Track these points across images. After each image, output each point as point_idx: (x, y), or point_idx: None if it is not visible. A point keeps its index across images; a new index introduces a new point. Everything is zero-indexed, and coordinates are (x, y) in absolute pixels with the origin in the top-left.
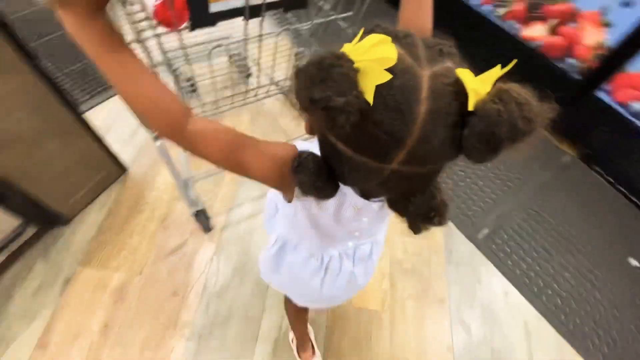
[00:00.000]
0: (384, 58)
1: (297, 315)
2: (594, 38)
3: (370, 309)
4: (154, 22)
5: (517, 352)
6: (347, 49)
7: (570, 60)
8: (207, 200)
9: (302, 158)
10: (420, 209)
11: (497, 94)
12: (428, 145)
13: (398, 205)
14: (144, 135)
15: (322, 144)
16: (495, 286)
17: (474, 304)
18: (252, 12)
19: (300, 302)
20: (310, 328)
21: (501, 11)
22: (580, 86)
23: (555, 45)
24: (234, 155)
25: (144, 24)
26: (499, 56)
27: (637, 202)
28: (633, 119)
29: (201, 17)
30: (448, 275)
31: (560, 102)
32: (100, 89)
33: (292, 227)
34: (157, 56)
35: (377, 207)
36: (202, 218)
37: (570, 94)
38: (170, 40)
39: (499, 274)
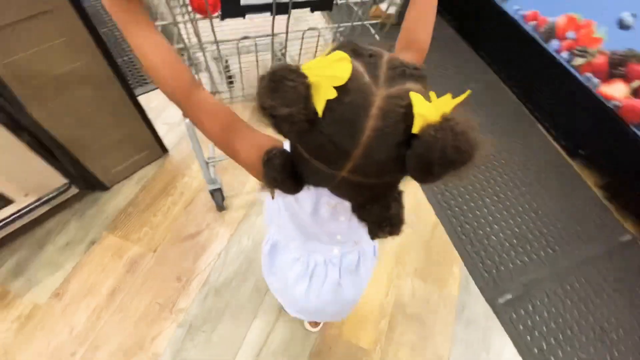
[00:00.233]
0: (335, 76)
1: None
2: None
3: (361, 346)
4: (190, 8)
5: None
6: (307, 64)
7: None
8: (230, 191)
9: (272, 153)
10: (373, 217)
11: (440, 122)
12: (372, 160)
13: (356, 210)
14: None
15: (290, 145)
16: None
17: None
18: (280, 9)
19: (290, 310)
20: None
21: (580, 61)
22: None
23: (636, 109)
24: (227, 136)
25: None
26: (569, 107)
27: None
28: None
29: (231, 8)
30: (454, 333)
31: (633, 175)
32: None
33: (278, 225)
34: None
35: (349, 205)
36: (218, 196)
37: None
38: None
39: (513, 348)
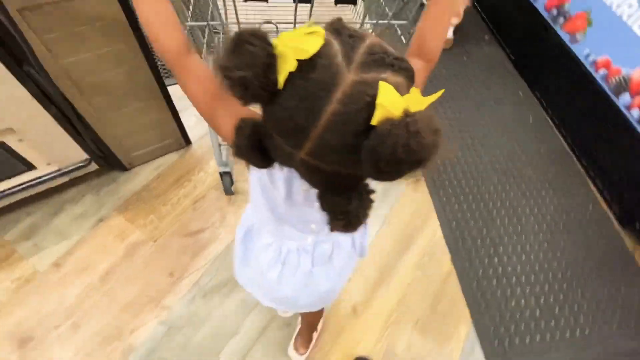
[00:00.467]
0: (301, 48)
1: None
2: None
3: None
4: None
5: None
6: (283, 33)
7: None
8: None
9: (243, 122)
10: (331, 207)
11: (400, 118)
12: (329, 145)
13: (319, 197)
14: None
15: (262, 116)
16: None
17: None
18: None
19: (264, 300)
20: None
21: None
22: None
23: None
24: (211, 104)
25: None
26: (631, 171)
27: None
28: None
29: None
30: None
31: None
32: None
33: (253, 206)
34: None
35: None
36: (227, 180)
37: None
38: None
39: None
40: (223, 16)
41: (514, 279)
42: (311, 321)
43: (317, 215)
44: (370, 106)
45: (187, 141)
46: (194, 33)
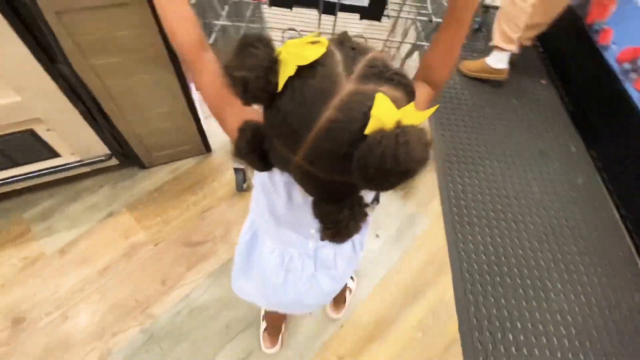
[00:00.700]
0: (301, 55)
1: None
2: None
3: None
4: None
5: None
6: (289, 41)
7: None
8: None
9: (246, 124)
10: (322, 216)
11: (393, 129)
12: (322, 151)
13: (313, 205)
14: None
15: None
16: None
17: None
18: (327, 8)
19: (267, 304)
20: (284, 325)
21: None
22: None
23: None
24: (220, 101)
25: None
26: None
27: None
28: None
29: None
30: None
31: None
32: None
33: (257, 210)
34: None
35: None
36: (240, 176)
37: None
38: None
39: None
40: (263, 19)
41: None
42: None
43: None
44: (366, 116)
45: (208, 149)
46: (225, 31)
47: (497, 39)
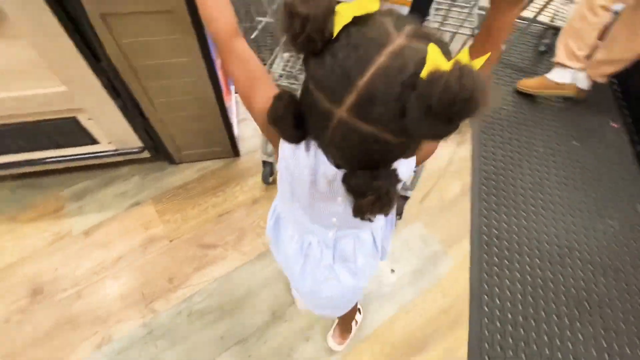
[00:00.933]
0: (357, 5)
1: None
2: None
3: None
4: None
5: None
6: (343, 3)
7: None
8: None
9: (283, 92)
10: (359, 184)
11: (452, 66)
12: (374, 97)
13: (346, 178)
14: None
15: (305, 79)
16: None
17: None
18: None
19: (294, 289)
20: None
21: None
22: None
23: None
24: (250, 84)
25: None
26: None
27: None
28: None
29: None
30: None
31: None
32: None
33: (280, 196)
34: None
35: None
36: (267, 169)
37: None
38: None
39: None
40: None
41: None
42: (347, 315)
43: (339, 209)
44: (419, 63)
45: (237, 153)
46: (266, 30)
47: (560, 55)
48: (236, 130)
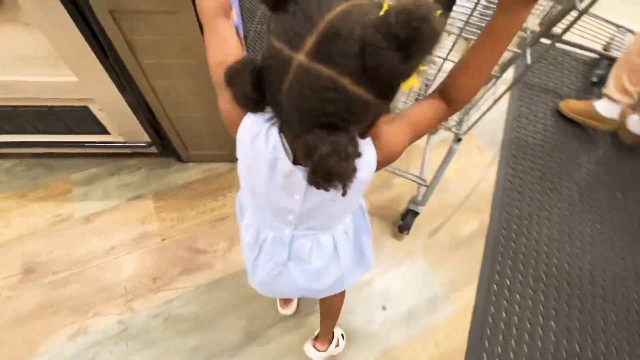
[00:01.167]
0: None
1: None
2: None
3: None
4: None
5: None
6: None
7: None
8: None
9: (246, 56)
10: (315, 139)
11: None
12: (336, 36)
13: (304, 138)
14: None
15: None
16: None
17: None
18: None
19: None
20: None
21: None
22: None
23: None
24: (220, 64)
25: None
26: None
27: None
28: None
29: None
30: None
31: None
32: None
33: (241, 186)
34: None
35: (303, 179)
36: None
37: None
38: None
39: None
40: None
41: None
42: (326, 311)
43: (295, 207)
44: (378, 8)
45: None
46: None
47: (611, 87)
48: None
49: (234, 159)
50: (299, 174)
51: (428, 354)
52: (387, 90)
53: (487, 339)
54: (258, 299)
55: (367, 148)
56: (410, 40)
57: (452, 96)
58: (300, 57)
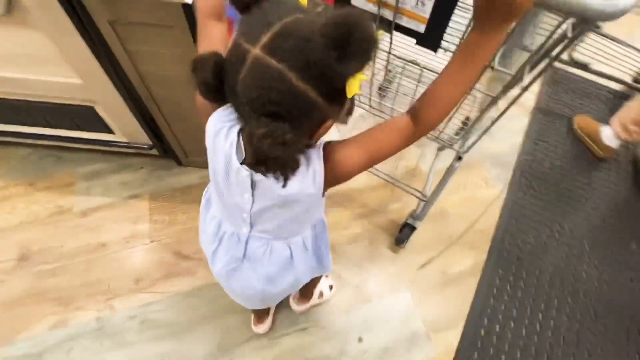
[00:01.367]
0: None
1: None
2: None
3: None
4: None
5: None
6: None
7: None
8: None
9: (216, 50)
10: (258, 126)
11: None
12: (287, 35)
13: (253, 126)
14: None
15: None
16: None
17: None
18: (383, 23)
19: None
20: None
21: None
22: None
23: None
24: None
25: None
26: None
27: None
28: None
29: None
30: None
31: None
32: None
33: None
34: None
35: (247, 178)
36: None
37: None
38: None
39: None
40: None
41: None
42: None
43: (246, 206)
44: (323, 18)
45: None
46: None
47: (615, 122)
48: None
49: None
50: (244, 173)
51: None
52: (331, 92)
53: None
54: (236, 312)
55: (315, 158)
56: (344, 41)
57: (420, 115)
58: (256, 51)
